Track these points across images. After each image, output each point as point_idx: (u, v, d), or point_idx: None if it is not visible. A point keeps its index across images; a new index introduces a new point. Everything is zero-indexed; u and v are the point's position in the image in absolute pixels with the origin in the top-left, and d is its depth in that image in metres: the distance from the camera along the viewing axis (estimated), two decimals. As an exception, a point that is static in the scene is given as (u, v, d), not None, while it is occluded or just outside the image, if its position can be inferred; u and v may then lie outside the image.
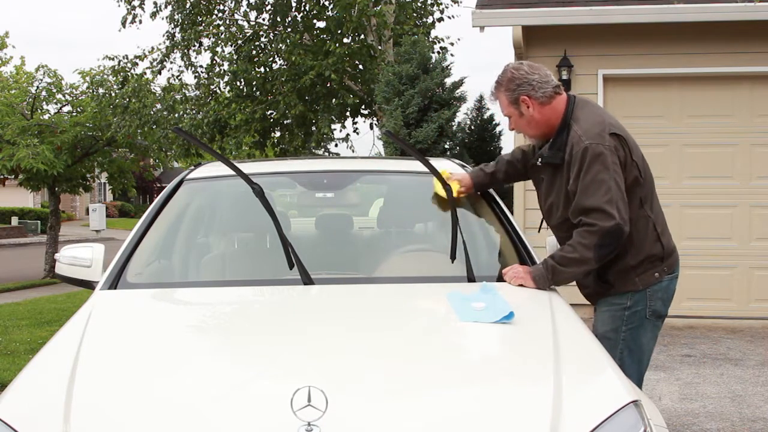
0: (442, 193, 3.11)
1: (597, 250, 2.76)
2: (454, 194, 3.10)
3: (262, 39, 13.34)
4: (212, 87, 13.48)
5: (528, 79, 2.92)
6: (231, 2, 13.49)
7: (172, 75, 14.16)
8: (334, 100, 13.03)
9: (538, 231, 3.33)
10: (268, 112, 12.94)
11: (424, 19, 13.68)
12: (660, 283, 2.96)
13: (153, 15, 13.54)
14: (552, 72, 8.10)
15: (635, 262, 2.93)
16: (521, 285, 2.81)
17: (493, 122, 10.87)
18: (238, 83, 13.23)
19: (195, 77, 13.79)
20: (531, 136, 3.05)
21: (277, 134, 14.26)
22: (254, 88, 13.14)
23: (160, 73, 13.87)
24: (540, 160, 2.99)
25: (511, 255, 3.08)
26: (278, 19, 12.85)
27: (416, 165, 3.22)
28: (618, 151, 2.83)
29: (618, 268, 2.94)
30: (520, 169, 3.25)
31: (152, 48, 13.97)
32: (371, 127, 13.96)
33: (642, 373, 3.00)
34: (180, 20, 13.39)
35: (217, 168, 3.57)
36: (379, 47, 11.97)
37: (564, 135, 2.89)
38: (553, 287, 2.86)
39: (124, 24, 13.64)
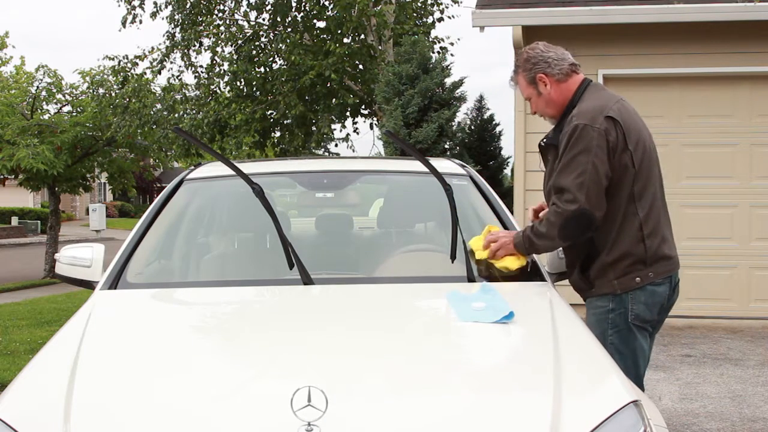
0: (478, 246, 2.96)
1: (561, 231, 2.76)
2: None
3: (262, 39, 13.35)
4: (212, 87, 13.49)
5: (543, 56, 2.94)
6: (231, 2, 13.51)
7: (172, 75, 14.19)
8: (334, 100, 13.03)
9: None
10: (268, 112, 12.95)
11: (424, 19, 13.69)
12: (642, 288, 2.84)
13: (153, 15, 13.57)
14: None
15: (610, 259, 2.83)
16: (502, 251, 2.81)
17: (493, 122, 10.89)
18: (238, 83, 13.24)
19: (195, 77, 13.81)
20: (550, 116, 3.01)
21: (277, 134, 14.27)
22: (254, 88, 13.15)
23: (160, 73, 13.90)
24: (544, 140, 2.97)
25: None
26: (278, 19, 12.86)
27: (416, 165, 3.22)
28: (609, 134, 2.75)
29: (597, 265, 2.87)
30: None
31: (152, 48, 14.00)
32: (371, 127, 13.98)
33: (639, 376, 2.92)
34: (180, 20, 13.40)
35: (217, 168, 3.57)
36: (379, 47, 11.98)
37: (568, 116, 2.87)
38: (554, 286, 2.87)
39: (124, 24, 13.67)
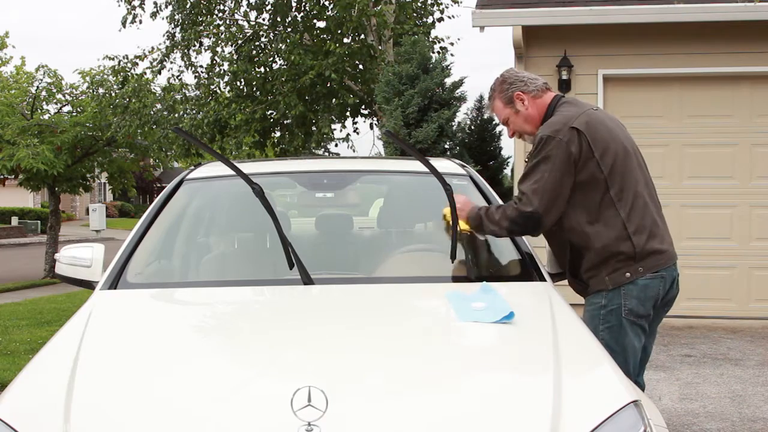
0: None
1: (509, 224, 2.91)
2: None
3: (262, 39, 13.34)
4: (212, 87, 13.48)
5: (519, 76, 3.11)
6: (231, 2, 13.49)
7: (172, 75, 14.18)
8: (334, 100, 13.03)
9: None
10: (268, 112, 12.93)
11: (424, 19, 13.67)
12: (633, 283, 2.92)
13: (153, 15, 13.56)
14: (552, 72, 8.09)
15: (598, 259, 2.93)
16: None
17: (493, 122, 10.87)
18: (238, 83, 13.24)
19: (195, 77, 13.80)
20: (529, 133, 3.12)
21: (277, 134, 14.26)
22: (254, 88, 13.15)
23: (160, 73, 13.89)
24: (527, 158, 3.07)
25: (511, 254, 3.09)
26: (278, 19, 12.86)
27: (416, 165, 3.22)
28: (571, 145, 2.87)
29: (586, 266, 2.97)
30: None
31: (152, 48, 13.99)
32: (371, 127, 13.98)
33: (629, 373, 2.92)
34: (180, 20, 13.40)
35: (217, 168, 3.57)
36: (379, 47, 11.98)
37: None
38: (554, 286, 2.89)
39: (124, 24, 13.66)
